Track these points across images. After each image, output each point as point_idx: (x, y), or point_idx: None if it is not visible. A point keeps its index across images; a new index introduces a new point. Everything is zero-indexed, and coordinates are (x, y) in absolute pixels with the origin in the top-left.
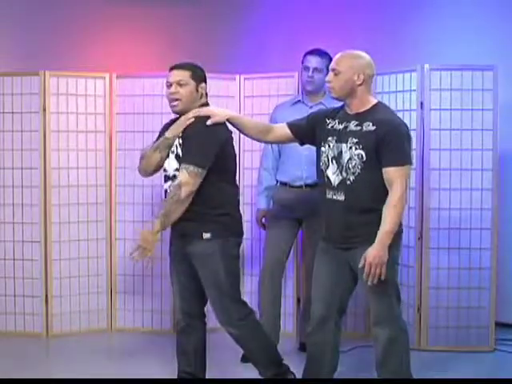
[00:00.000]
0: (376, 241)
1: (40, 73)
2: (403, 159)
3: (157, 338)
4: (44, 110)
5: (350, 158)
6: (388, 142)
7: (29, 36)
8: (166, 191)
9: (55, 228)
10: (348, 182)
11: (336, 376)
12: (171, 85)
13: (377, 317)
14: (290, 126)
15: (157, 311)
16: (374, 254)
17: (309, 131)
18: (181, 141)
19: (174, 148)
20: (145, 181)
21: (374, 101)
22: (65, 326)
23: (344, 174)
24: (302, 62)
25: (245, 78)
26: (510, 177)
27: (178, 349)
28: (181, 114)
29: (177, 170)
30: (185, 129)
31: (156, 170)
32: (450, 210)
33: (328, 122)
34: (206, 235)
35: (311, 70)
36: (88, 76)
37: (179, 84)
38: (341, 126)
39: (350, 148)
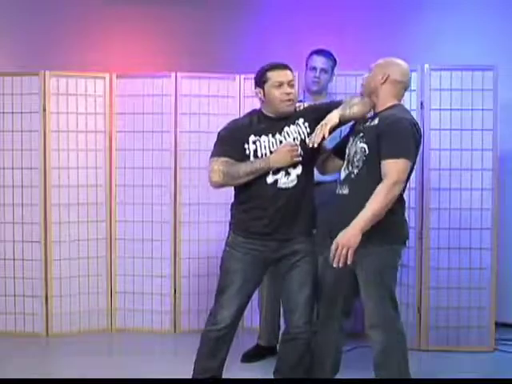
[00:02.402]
0: (351, 224)
1: (40, 73)
2: (398, 152)
3: (157, 337)
4: (44, 110)
5: (355, 152)
6: (386, 135)
7: (29, 36)
8: (276, 181)
9: (55, 228)
10: (352, 176)
11: (336, 376)
12: (282, 84)
13: (371, 320)
14: (334, 153)
15: (157, 311)
16: (344, 234)
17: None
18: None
19: (297, 135)
20: (145, 181)
21: (394, 102)
22: (65, 326)
23: (350, 168)
24: (307, 62)
25: (245, 78)
26: (510, 177)
27: (203, 355)
28: (286, 114)
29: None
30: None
31: None
32: (449, 210)
33: (356, 123)
34: None
35: (318, 71)
36: (88, 76)
37: (290, 85)
38: (360, 127)
39: (356, 143)
